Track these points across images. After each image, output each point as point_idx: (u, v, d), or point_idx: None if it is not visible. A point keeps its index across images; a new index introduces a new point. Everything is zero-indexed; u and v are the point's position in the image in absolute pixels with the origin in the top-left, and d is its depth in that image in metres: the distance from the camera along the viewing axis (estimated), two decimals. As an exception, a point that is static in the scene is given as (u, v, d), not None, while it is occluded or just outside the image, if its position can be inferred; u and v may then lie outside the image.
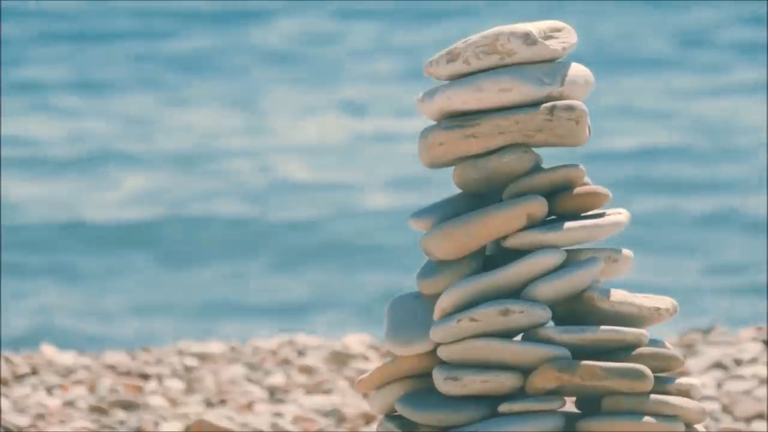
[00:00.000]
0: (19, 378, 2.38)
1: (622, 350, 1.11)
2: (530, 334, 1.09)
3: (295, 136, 6.95)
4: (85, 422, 2.06)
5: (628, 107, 7.16)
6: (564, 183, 1.04)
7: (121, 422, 2.08)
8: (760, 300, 4.34)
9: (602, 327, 1.13)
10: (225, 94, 7.69)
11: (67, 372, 2.42)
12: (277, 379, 2.38)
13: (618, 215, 1.10)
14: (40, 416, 2.09)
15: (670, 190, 6.08)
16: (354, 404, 2.15)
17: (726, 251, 5.38)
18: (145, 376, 2.38)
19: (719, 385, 2.17)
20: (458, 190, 1.07)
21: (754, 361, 2.30)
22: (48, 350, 2.62)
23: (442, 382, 1.07)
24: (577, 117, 1.00)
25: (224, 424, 1.97)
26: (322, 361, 2.51)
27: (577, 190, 1.06)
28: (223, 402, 2.21)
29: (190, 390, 2.31)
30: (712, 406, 2.00)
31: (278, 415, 2.13)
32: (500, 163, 1.01)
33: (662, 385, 1.04)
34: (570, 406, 1.07)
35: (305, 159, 6.59)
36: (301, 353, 2.61)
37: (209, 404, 2.21)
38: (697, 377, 1.93)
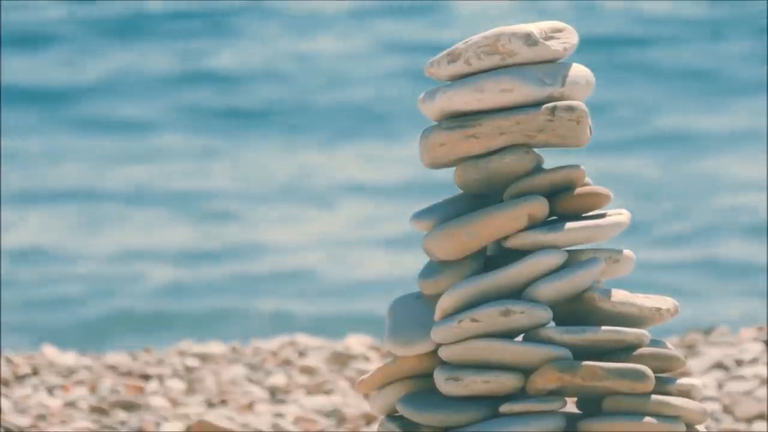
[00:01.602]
0: (20, 378, 2.38)
1: (623, 351, 1.11)
2: (531, 335, 1.09)
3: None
4: (86, 422, 2.07)
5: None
6: (565, 183, 1.04)
7: (122, 423, 2.08)
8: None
9: (603, 327, 1.13)
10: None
11: (68, 372, 2.43)
12: (278, 379, 2.38)
13: (619, 216, 1.10)
14: (41, 417, 2.09)
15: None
16: (355, 405, 2.16)
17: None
18: (146, 377, 2.38)
19: (720, 386, 2.17)
20: (459, 191, 1.07)
21: (755, 361, 2.30)
22: (49, 350, 2.62)
23: (443, 382, 1.07)
24: (578, 117, 1.00)
25: (225, 424, 1.98)
26: (323, 362, 2.51)
27: (578, 190, 1.06)
28: (223, 402, 2.21)
29: (191, 390, 2.31)
30: (713, 406, 2.00)
31: (279, 415, 2.13)
32: (501, 163, 1.01)
33: (663, 386, 1.04)
34: (571, 406, 1.08)
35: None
36: (302, 354, 2.61)
37: (210, 405, 2.21)
38: (698, 378, 1.93)
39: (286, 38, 7.95)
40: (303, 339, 2.77)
